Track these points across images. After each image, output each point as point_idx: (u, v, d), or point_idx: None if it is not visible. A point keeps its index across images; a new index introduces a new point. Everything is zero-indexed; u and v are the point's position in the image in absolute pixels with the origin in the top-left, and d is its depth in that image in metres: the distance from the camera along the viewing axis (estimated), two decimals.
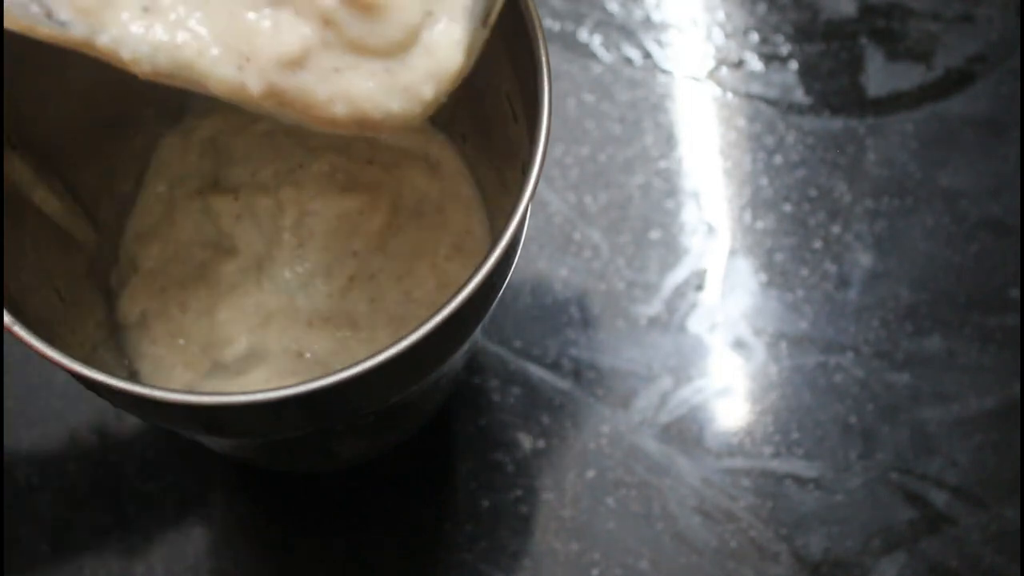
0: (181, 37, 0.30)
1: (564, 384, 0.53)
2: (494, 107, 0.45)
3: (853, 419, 0.53)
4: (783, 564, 0.51)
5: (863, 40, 0.59)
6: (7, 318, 0.34)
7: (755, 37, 0.59)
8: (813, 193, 0.56)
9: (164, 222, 0.51)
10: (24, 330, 0.34)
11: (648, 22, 0.59)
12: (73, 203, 0.47)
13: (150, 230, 0.51)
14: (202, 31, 0.30)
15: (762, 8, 0.60)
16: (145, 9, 0.30)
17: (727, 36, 0.59)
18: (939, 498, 0.52)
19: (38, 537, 0.51)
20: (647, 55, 0.59)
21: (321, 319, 0.48)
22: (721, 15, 0.60)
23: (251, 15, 0.30)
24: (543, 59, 0.37)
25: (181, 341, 0.48)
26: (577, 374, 0.54)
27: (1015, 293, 0.55)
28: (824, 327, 0.54)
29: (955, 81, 0.58)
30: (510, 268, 0.39)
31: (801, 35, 0.59)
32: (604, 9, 0.59)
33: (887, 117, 0.58)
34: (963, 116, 0.58)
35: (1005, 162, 0.57)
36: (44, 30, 0.30)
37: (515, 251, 0.39)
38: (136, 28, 0.30)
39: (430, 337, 0.34)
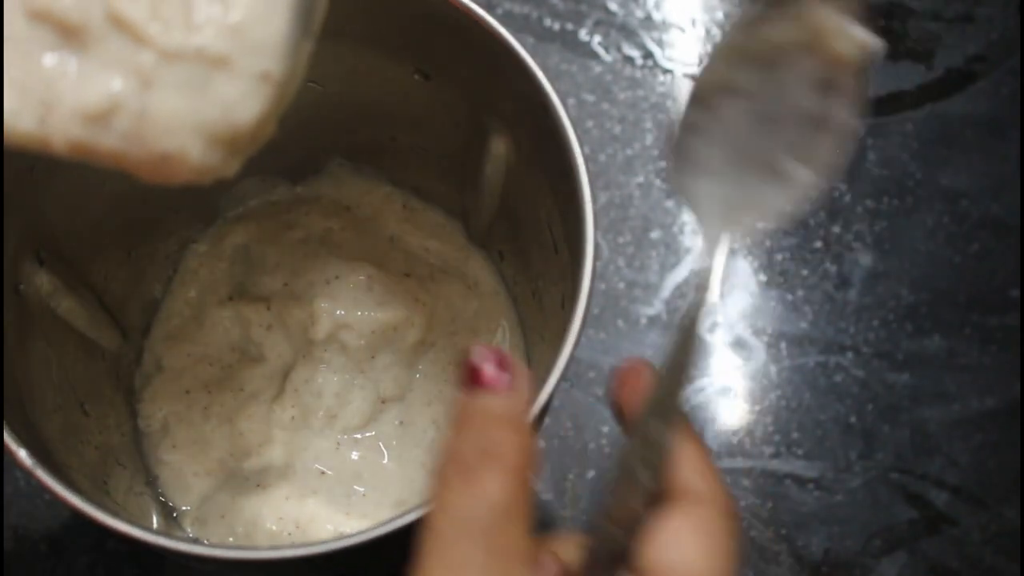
0: None
1: (564, 384, 0.53)
2: (533, 231, 0.44)
3: (853, 419, 0.53)
4: (783, 564, 0.51)
5: None
6: (55, 484, 0.34)
7: None
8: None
9: (192, 325, 0.50)
10: (76, 496, 0.34)
11: (648, 22, 0.59)
12: (100, 310, 0.46)
13: (177, 332, 0.50)
14: None
15: None
16: None
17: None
18: (939, 498, 0.52)
19: (38, 537, 0.51)
20: (647, 54, 0.59)
21: (348, 438, 0.48)
22: (721, 14, 0.60)
23: (49, 58, 0.26)
24: (589, 219, 0.37)
25: (202, 448, 0.48)
26: (577, 374, 0.53)
27: (1015, 293, 0.55)
28: (824, 327, 0.54)
29: (955, 81, 0.58)
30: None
31: None
32: (604, 9, 0.59)
33: (887, 117, 0.58)
34: (963, 116, 0.58)
35: (1005, 162, 0.57)
36: None
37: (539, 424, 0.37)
38: None
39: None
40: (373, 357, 0.48)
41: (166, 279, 0.51)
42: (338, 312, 0.48)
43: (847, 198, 0.56)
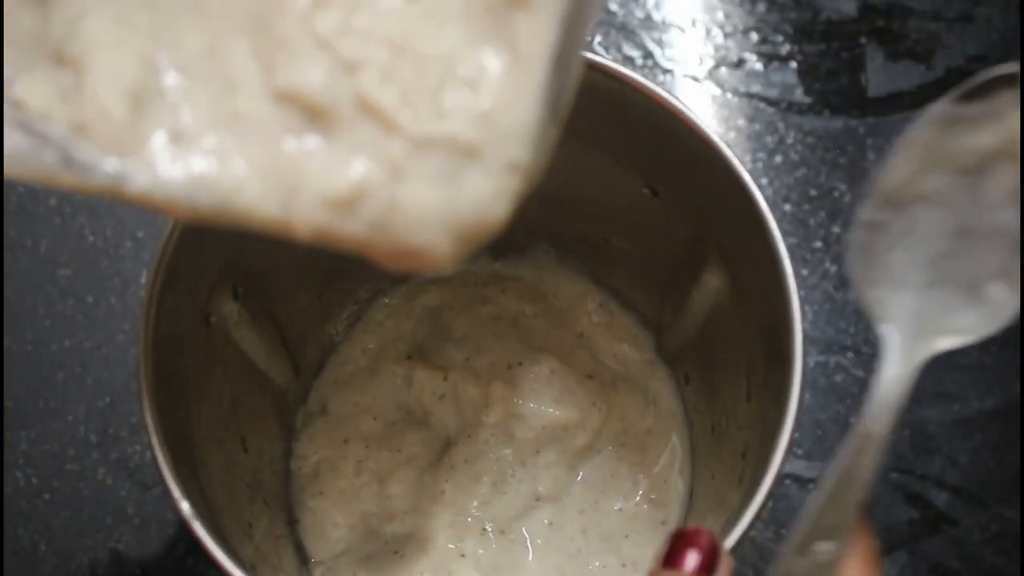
0: (216, 169, 0.25)
1: None
2: (727, 370, 0.43)
3: (853, 419, 0.53)
4: None
5: (863, 40, 0.59)
6: (204, 536, 0.34)
7: (755, 37, 0.59)
8: (813, 193, 0.56)
9: (365, 375, 0.49)
10: (224, 555, 0.34)
11: (648, 22, 0.59)
12: (280, 346, 0.46)
13: (348, 378, 0.50)
14: (239, 160, 0.25)
15: (762, 8, 0.60)
16: (176, 136, 0.25)
17: (727, 36, 0.59)
18: (939, 498, 0.52)
19: (38, 537, 0.51)
20: (647, 55, 0.59)
21: (496, 528, 0.47)
22: (721, 15, 0.60)
23: (294, 142, 0.25)
24: (796, 387, 0.35)
25: (348, 501, 0.47)
26: None
27: None
28: (824, 327, 0.54)
29: (955, 81, 0.58)
30: None
31: (801, 35, 0.59)
32: (604, 9, 0.59)
33: (887, 117, 0.58)
34: None
35: None
36: (66, 180, 0.25)
37: None
38: (167, 164, 0.25)
39: None
40: (537, 452, 0.48)
41: (348, 324, 0.50)
42: (515, 400, 0.47)
43: (847, 198, 0.56)
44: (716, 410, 0.46)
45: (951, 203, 0.29)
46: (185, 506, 0.34)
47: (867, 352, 0.54)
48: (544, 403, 0.47)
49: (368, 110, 0.25)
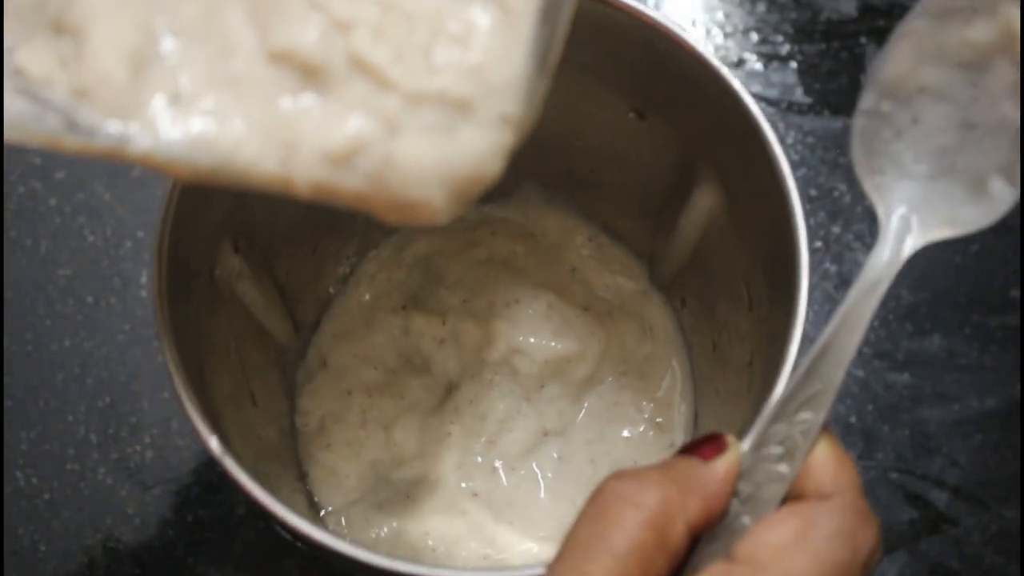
0: (215, 129, 0.26)
1: None
2: (725, 285, 0.43)
3: (853, 419, 0.53)
4: None
5: (863, 40, 0.59)
6: (235, 470, 0.34)
7: (755, 37, 0.59)
8: (813, 193, 0.56)
9: (361, 327, 0.50)
10: (254, 485, 0.35)
11: None
12: (279, 301, 0.46)
13: (347, 331, 0.50)
14: (237, 120, 0.26)
15: (762, 8, 0.60)
16: (175, 98, 0.26)
17: (727, 36, 0.59)
18: (939, 498, 0.52)
19: (38, 537, 0.51)
20: None
21: (506, 466, 0.47)
22: (721, 15, 0.60)
23: (290, 100, 0.26)
24: (804, 283, 0.35)
25: (355, 451, 0.47)
26: None
27: (1015, 293, 0.55)
28: (824, 327, 0.54)
29: None
30: None
31: (801, 35, 0.59)
32: None
33: None
34: None
35: None
36: (69, 143, 0.26)
37: None
38: (168, 125, 0.26)
39: None
40: (542, 387, 0.48)
41: (343, 279, 0.51)
42: (517, 337, 0.48)
43: (847, 198, 0.56)
44: (716, 328, 0.46)
45: (955, 97, 0.29)
46: (214, 442, 0.35)
47: (867, 352, 0.54)
48: (544, 337, 0.48)
49: (361, 68, 0.26)
